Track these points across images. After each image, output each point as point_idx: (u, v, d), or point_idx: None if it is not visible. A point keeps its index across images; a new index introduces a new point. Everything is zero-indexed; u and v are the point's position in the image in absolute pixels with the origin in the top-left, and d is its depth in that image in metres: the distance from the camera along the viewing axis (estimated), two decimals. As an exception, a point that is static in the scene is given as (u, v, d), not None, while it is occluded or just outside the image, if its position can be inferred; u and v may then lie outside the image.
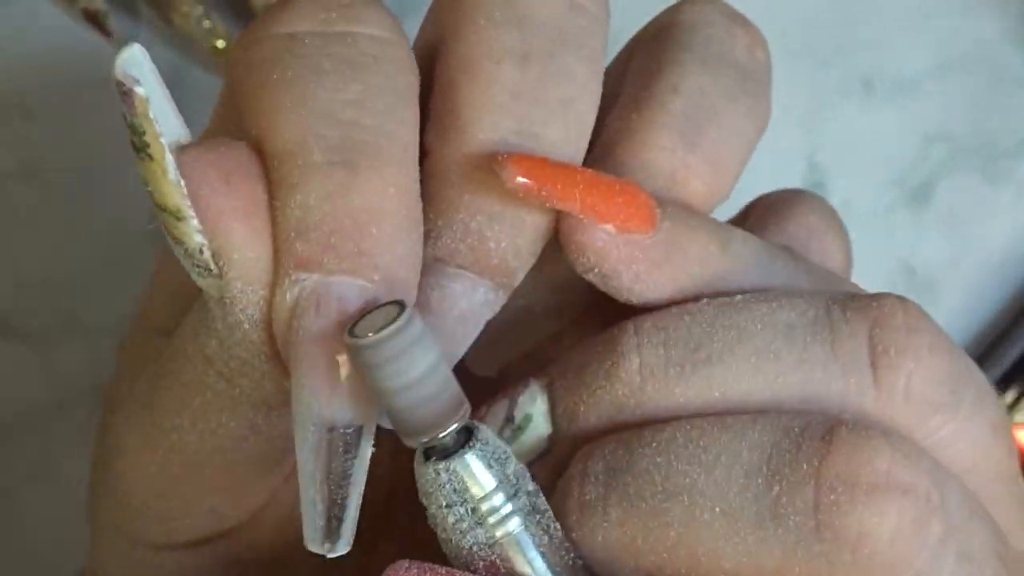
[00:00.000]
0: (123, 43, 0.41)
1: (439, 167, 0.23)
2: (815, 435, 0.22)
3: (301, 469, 0.21)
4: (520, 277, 0.24)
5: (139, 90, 0.20)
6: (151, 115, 0.20)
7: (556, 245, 0.24)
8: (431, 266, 0.23)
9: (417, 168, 0.23)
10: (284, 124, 0.22)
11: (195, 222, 0.21)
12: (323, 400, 0.21)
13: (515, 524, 0.22)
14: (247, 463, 0.25)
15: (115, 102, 0.21)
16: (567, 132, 0.24)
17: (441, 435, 0.21)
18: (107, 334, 0.42)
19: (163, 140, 0.20)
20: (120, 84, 0.20)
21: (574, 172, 0.23)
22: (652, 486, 0.22)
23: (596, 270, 0.24)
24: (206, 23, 0.42)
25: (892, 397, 0.23)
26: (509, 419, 0.24)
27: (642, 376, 0.23)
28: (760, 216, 0.28)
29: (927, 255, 0.44)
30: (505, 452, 0.22)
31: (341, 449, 0.21)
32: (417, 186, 0.23)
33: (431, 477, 0.22)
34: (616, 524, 0.22)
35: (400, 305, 0.21)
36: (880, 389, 0.23)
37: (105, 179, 0.43)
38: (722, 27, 0.27)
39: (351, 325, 0.21)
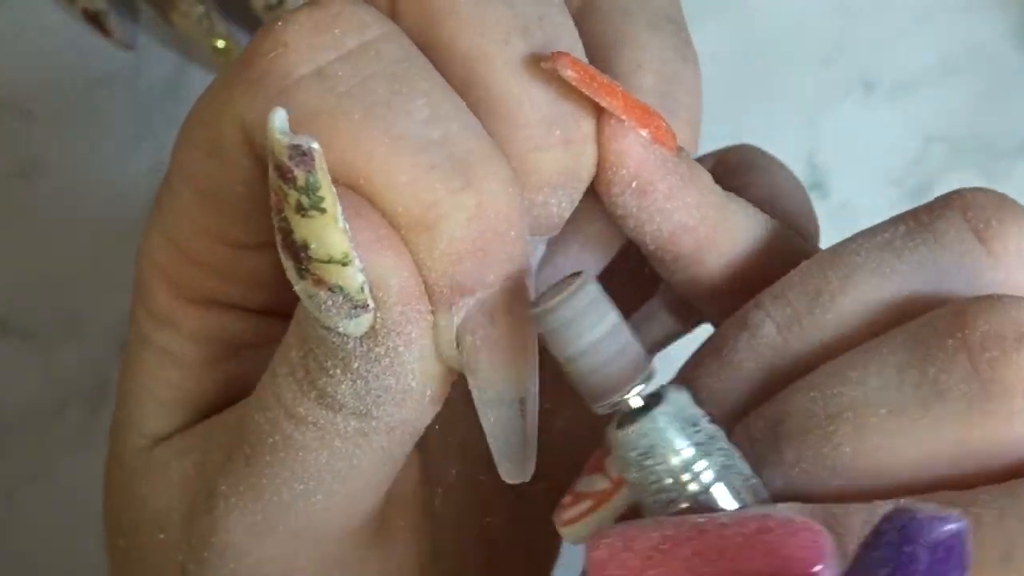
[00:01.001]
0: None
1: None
2: (947, 315, 0.22)
3: (495, 438, 0.23)
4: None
5: (315, 144, 0.20)
6: (325, 167, 0.20)
7: None
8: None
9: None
10: (391, 169, 0.22)
11: (358, 261, 0.21)
12: (508, 386, 0.23)
13: (710, 477, 0.22)
14: (374, 494, 0.25)
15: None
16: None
17: (625, 397, 0.22)
18: (107, 334, 0.42)
19: (334, 189, 0.21)
20: (296, 147, 0.20)
21: (611, 82, 0.24)
22: (813, 417, 0.23)
23: (635, 183, 0.24)
24: (206, 23, 0.42)
25: (1010, 260, 0.23)
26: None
27: (782, 336, 0.24)
28: (725, 175, 0.28)
29: (927, 255, 0.44)
30: (694, 409, 0.22)
31: (523, 413, 0.23)
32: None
33: (621, 441, 0.22)
34: (792, 464, 0.23)
35: (576, 274, 0.22)
36: (994, 257, 0.23)
37: (105, 179, 0.43)
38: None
39: (536, 298, 0.22)
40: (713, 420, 0.23)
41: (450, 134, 0.22)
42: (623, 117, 0.24)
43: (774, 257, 0.26)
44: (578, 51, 0.24)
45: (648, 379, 0.22)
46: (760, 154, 0.30)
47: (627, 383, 0.22)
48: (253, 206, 0.24)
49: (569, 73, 0.23)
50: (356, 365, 0.22)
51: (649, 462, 0.22)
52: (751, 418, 0.24)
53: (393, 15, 0.24)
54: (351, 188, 0.22)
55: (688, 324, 0.29)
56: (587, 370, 0.22)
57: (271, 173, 0.21)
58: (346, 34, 0.23)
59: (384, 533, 0.27)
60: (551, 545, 0.31)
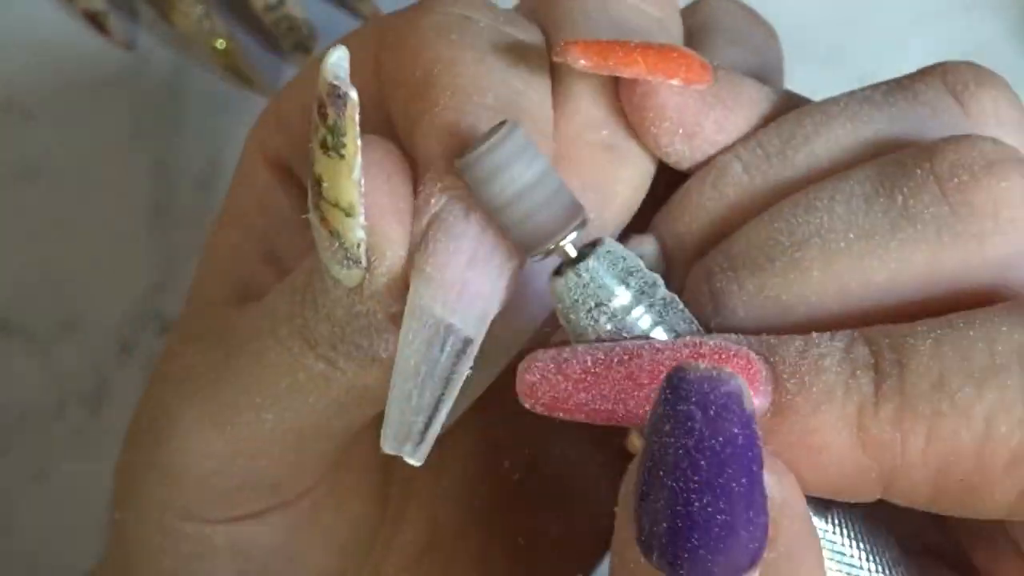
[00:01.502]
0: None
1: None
2: (916, 150, 0.23)
3: (401, 364, 0.22)
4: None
5: (353, 94, 0.21)
6: (356, 118, 0.21)
7: None
8: None
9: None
10: (463, 70, 0.23)
11: (362, 218, 0.22)
12: (449, 300, 0.22)
13: (647, 324, 0.22)
14: (321, 442, 0.25)
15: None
16: None
17: (560, 242, 0.22)
18: (107, 334, 0.42)
19: (359, 141, 0.21)
20: (334, 87, 0.21)
21: (628, 43, 0.24)
22: (778, 246, 0.23)
23: (680, 130, 0.24)
24: (206, 23, 0.42)
25: (985, 121, 0.24)
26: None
27: (749, 174, 0.24)
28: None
29: (927, 255, 0.44)
30: (632, 259, 0.22)
31: (448, 352, 0.22)
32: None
33: (558, 290, 0.22)
34: (755, 293, 0.23)
35: (501, 124, 0.22)
36: (971, 117, 0.24)
37: (105, 179, 0.43)
38: (742, 18, 0.29)
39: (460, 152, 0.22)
40: (653, 268, 0.23)
41: (526, 92, 0.24)
42: (649, 78, 0.24)
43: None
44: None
45: (582, 226, 0.22)
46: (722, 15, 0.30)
47: (560, 230, 0.22)
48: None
49: (581, 63, 0.23)
50: (339, 313, 0.23)
51: (585, 309, 0.22)
52: (710, 254, 0.24)
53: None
54: (422, 86, 0.23)
55: None
56: (518, 218, 0.21)
57: (313, 104, 0.21)
58: (508, 22, 0.25)
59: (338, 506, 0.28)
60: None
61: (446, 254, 0.22)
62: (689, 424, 0.19)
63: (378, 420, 0.23)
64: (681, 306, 0.23)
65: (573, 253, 0.22)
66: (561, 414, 0.22)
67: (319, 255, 0.23)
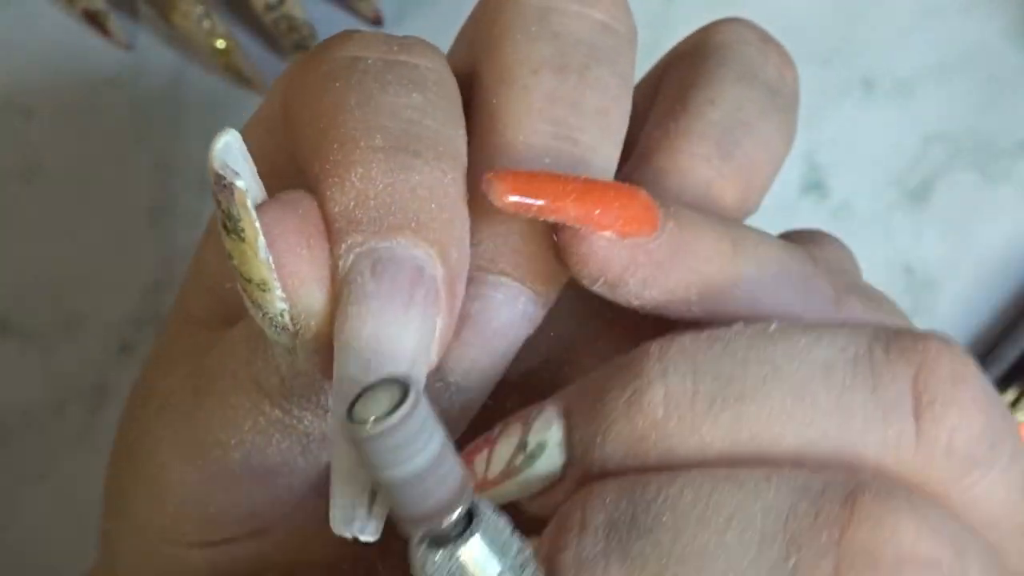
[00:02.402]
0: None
1: (479, 173, 0.23)
2: (835, 499, 0.20)
3: (335, 441, 0.21)
4: (559, 286, 0.24)
5: (239, 183, 0.20)
6: (248, 204, 0.20)
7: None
8: (472, 276, 0.23)
9: (464, 182, 0.23)
10: (347, 118, 0.22)
11: (279, 291, 0.21)
12: (371, 365, 0.21)
13: None
14: (292, 477, 0.25)
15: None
16: (603, 139, 0.24)
17: (445, 523, 0.20)
18: (107, 334, 0.42)
19: (256, 224, 0.21)
20: (219, 177, 0.20)
21: (565, 181, 0.22)
22: (657, 547, 0.21)
23: (602, 280, 0.23)
24: (206, 23, 0.42)
25: (933, 451, 0.21)
26: (522, 446, 0.23)
27: (666, 409, 0.21)
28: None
29: (926, 255, 0.44)
30: (505, 533, 0.21)
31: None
32: (466, 192, 0.23)
33: (432, 565, 0.21)
34: None
35: (401, 384, 0.20)
36: (921, 442, 0.21)
37: (105, 179, 0.43)
38: (755, 47, 0.27)
39: (350, 404, 0.19)
40: (527, 451, 0.22)
41: (423, 122, 0.22)
42: (579, 225, 0.22)
43: (787, 286, 0.24)
44: (613, 116, 0.24)
45: (466, 503, 0.20)
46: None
47: (449, 509, 0.20)
48: (292, 171, 0.24)
49: (504, 201, 0.22)
50: (284, 369, 0.22)
51: None
52: (595, 496, 0.22)
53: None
54: (309, 143, 0.22)
55: None
56: (410, 497, 0.20)
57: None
58: (403, 51, 0.24)
59: None
60: None
61: (358, 318, 0.21)
62: None
63: None
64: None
65: (455, 530, 0.20)
66: None
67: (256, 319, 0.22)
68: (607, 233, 0.22)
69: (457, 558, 0.20)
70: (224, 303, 0.27)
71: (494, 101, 0.24)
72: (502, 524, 0.21)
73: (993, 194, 0.44)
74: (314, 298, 0.21)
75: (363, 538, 0.21)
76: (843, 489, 0.21)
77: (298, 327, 0.21)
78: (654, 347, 0.22)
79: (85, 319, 0.42)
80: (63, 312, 0.42)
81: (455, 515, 0.20)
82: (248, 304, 0.22)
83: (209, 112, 0.43)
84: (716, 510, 0.21)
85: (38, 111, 0.43)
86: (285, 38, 0.42)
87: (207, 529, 0.26)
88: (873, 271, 0.30)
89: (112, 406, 0.41)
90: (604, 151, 0.24)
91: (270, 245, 0.21)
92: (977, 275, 0.44)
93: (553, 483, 0.23)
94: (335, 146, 0.22)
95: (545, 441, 0.23)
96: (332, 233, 0.22)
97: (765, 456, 0.21)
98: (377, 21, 0.43)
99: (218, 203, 0.21)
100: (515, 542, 0.21)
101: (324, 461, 0.25)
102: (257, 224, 0.21)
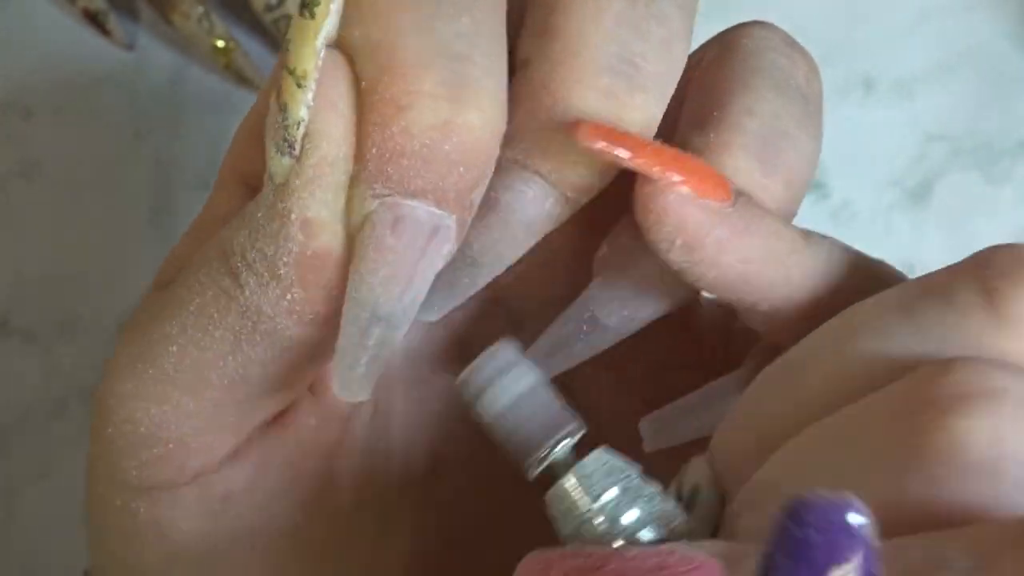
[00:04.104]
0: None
1: (536, 78, 0.24)
2: (912, 372, 0.21)
3: (342, 339, 0.23)
4: (590, 194, 0.25)
5: None
6: None
7: None
8: (507, 167, 0.24)
9: (507, 106, 0.23)
10: (402, 45, 0.22)
11: (310, 96, 0.22)
12: (382, 300, 0.22)
13: (637, 525, 0.22)
14: (218, 390, 0.25)
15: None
16: (665, 68, 0.24)
17: (549, 453, 0.22)
18: (107, 334, 0.42)
19: (333, 6, 0.21)
20: None
21: (644, 139, 0.23)
22: (771, 491, 0.22)
23: (679, 241, 0.23)
24: (206, 23, 0.42)
25: (1016, 327, 0.22)
26: (679, 498, 0.24)
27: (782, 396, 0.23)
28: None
29: (926, 255, 0.44)
30: (620, 463, 0.22)
31: (380, 335, 0.23)
32: (505, 125, 0.23)
33: (549, 500, 0.22)
34: (759, 533, 0.22)
35: (500, 340, 0.23)
36: (1003, 319, 0.22)
37: (105, 179, 0.43)
38: (783, 53, 0.27)
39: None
40: (641, 471, 0.23)
41: (472, 57, 0.22)
42: (658, 177, 0.23)
43: (851, 290, 0.25)
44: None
45: (572, 434, 0.22)
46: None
47: (552, 437, 0.22)
48: None
49: (590, 144, 0.22)
50: (260, 214, 0.23)
51: (575, 516, 0.22)
52: (742, 493, 0.23)
53: None
54: (356, 45, 0.22)
55: None
56: (512, 430, 0.22)
57: None
58: None
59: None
60: None
61: (375, 263, 0.22)
62: (807, 552, 0.18)
63: (313, 433, 0.25)
64: (673, 505, 0.23)
65: (565, 461, 0.22)
66: None
67: (266, 142, 0.23)
68: (682, 189, 0.23)
69: (565, 489, 0.22)
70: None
71: (563, 11, 0.24)
72: (613, 458, 0.22)
73: (993, 194, 0.44)
74: (332, 125, 0.22)
75: (357, 399, 0.23)
76: (919, 367, 0.21)
77: (305, 147, 0.22)
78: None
79: (85, 319, 0.42)
80: (63, 312, 0.42)
81: (559, 446, 0.22)
82: (272, 112, 0.22)
83: (209, 112, 0.43)
84: (825, 441, 0.22)
85: (38, 111, 0.43)
86: (285, 38, 0.42)
87: (140, 461, 0.26)
88: (873, 271, 0.30)
89: (112, 406, 0.42)
90: (661, 85, 0.24)
91: (321, 68, 0.22)
92: (977, 275, 0.44)
93: (718, 522, 0.23)
94: (385, 77, 0.22)
95: (698, 484, 0.24)
96: (363, 166, 0.22)
97: (870, 383, 0.22)
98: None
99: None
100: (629, 472, 0.22)
101: (254, 375, 0.25)
102: (333, 6, 0.21)
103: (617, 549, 0.22)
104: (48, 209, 0.42)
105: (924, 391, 0.21)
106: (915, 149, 0.44)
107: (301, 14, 0.22)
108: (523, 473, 0.22)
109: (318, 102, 0.22)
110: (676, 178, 0.23)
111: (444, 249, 0.23)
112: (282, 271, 0.23)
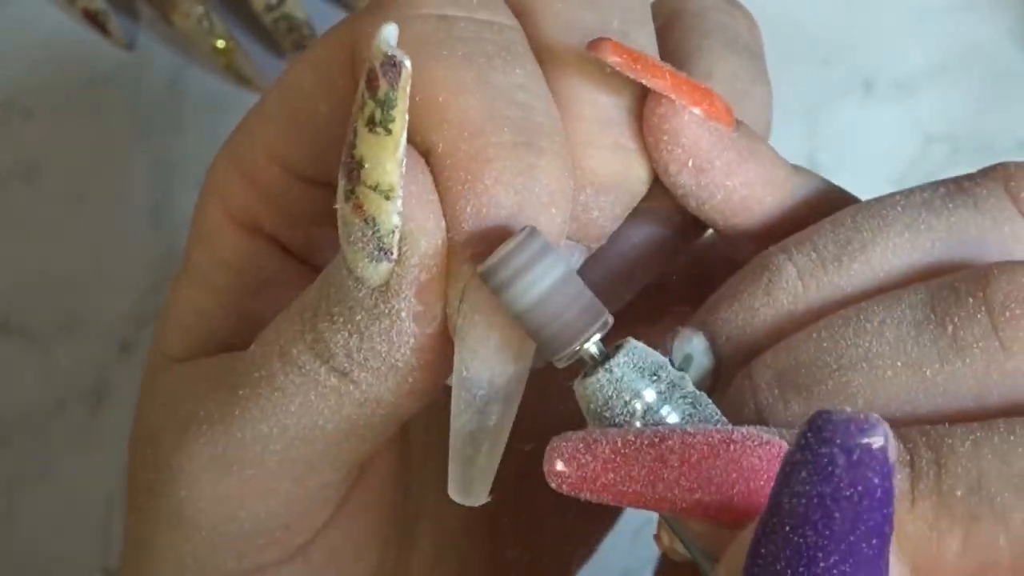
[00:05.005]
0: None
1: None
2: (970, 275, 0.22)
3: (457, 430, 0.23)
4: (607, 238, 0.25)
5: (407, 63, 0.21)
6: (408, 89, 0.21)
7: None
8: None
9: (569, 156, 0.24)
10: (470, 101, 0.22)
11: (400, 202, 0.22)
12: (497, 370, 0.22)
13: (676, 421, 0.22)
14: (329, 472, 0.25)
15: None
16: (638, 25, 0.25)
17: (585, 344, 0.22)
18: (107, 334, 0.42)
19: (407, 117, 0.21)
20: (391, 57, 0.21)
21: (659, 62, 0.24)
22: (826, 367, 0.22)
23: (691, 162, 0.24)
24: (206, 23, 0.42)
25: None
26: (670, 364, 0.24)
27: (803, 281, 0.24)
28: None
29: (927, 255, 0.44)
30: (657, 356, 0.22)
31: (500, 414, 0.23)
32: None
33: (582, 393, 0.22)
34: (800, 416, 0.22)
35: (522, 230, 0.22)
36: None
37: (105, 179, 0.43)
38: (724, 11, 0.28)
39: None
40: (675, 366, 0.23)
41: (533, 105, 0.23)
42: (672, 96, 0.24)
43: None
44: (652, 54, 0.25)
45: (604, 328, 0.22)
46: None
47: (582, 333, 0.22)
48: (326, 137, 0.25)
49: (612, 58, 0.23)
50: (359, 317, 0.23)
51: (610, 412, 0.22)
52: (755, 365, 0.23)
53: None
54: (426, 116, 0.22)
55: None
56: (540, 323, 0.22)
57: (360, 83, 0.21)
58: (481, 6, 0.24)
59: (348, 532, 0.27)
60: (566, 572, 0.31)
61: (487, 327, 0.22)
62: (829, 469, 0.18)
63: (387, 464, 0.25)
64: (708, 401, 0.23)
65: (598, 355, 0.22)
66: (588, 494, 0.21)
67: (340, 262, 0.22)
68: (696, 109, 0.24)
69: (605, 378, 0.22)
70: (214, 342, 0.27)
71: (563, 78, 0.24)
72: (649, 351, 0.22)
73: (993, 194, 0.44)
74: (427, 219, 0.22)
75: (476, 504, 0.23)
76: (971, 271, 0.23)
77: (404, 249, 0.22)
78: (772, 247, 0.24)
79: (85, 319, 0.42)
80: (63, 312, 0.42)
81: (592, 338, 0.22)
82: (354, 228, 0.22)
83: (209, 112, 0.43)
84: (868, 319, 0.23)
85: (38, 111, 0.43)
86: (285, 38, 0.42)
87: (243, 552, 0.26)
88: (873, 271, 0.30)
89: (112, 406, 0.41)
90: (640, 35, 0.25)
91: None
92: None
93: (707, 392, 0.24)
94: (465, 134, 0.22)
95: (690, 353, 0.24)
96: (457, 225, 0.22)
97: (898, 284, 0.23)
98: (377, 21, 0.43)
99: (374, 91, 0.21)
100: (666, 368, 0.22)
101: (365, 450, 0.25)
102: (407, 118, 0.21)
103: (673, 428, 0.21)
104: (48, 209, 0.42)
105: (1001, 289, 0.22)
106: (915, 149, 0.44)
107: (373, 131, 0.21)
108: (552, 359, 0.22)
109: (407, 203, 0.22)
110: (690, 99, 0.24)
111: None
112: (401, 363, 0.23)
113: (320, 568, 0.27)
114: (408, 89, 0.21)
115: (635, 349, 0.22)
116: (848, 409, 0.18)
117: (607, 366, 0.22)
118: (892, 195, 0.24)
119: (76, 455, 0.41)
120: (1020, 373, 0.22)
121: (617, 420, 0.22)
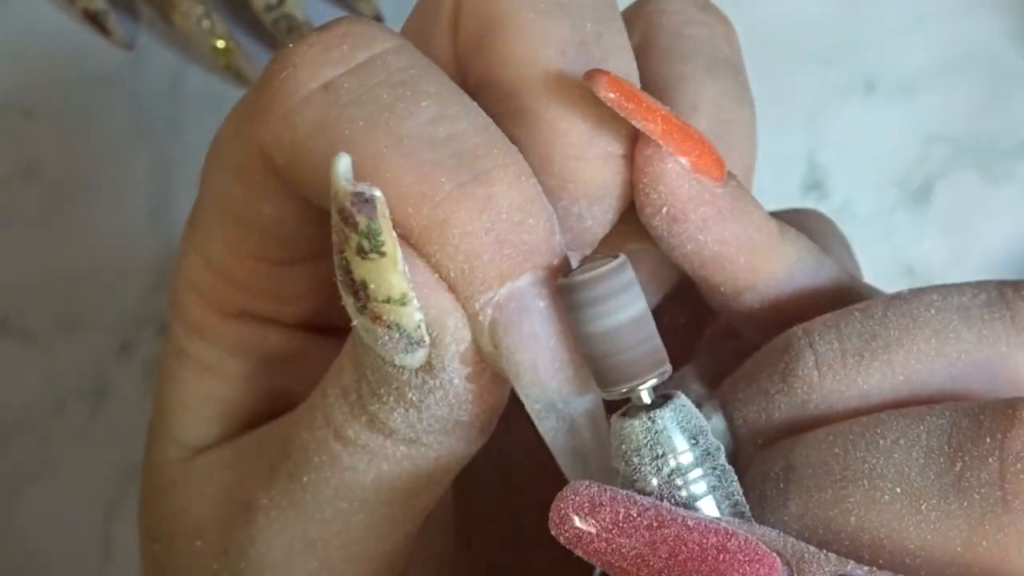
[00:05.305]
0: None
1: (536, 160, 0.23)
2: (997, 410, 0.21)
3: (558, 453, 0.23)
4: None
5: (378, 192, 0.21)
6: (387, 213, 0.21)
7: None
8: None
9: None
10: (396, 172, 0.22)
11: (416, 302, 0.21)
12: (553, 385, 0.22)
13: (702, 487, 0.22)
14: (412, 522, 0.25)
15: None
16: (619, 44, 0.24)
17: (641, 386, 0.22)
18: (107, 334, 0.42)
19: (394, 234, 0.21)
20: (359, 194, 0.20)
21: (655, 103, 0.23)
22: (830, 475, 0.22)
23: (665, 209, 0.23)
24: (206, 23, 0.42)
25: None
26: None
27: (820, 372, 0.23)
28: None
29: (927, 255, 0.44)
30: (701, 420, 0.22)
31: (583, 420, 0.23)
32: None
33: (621, 432, 0.22)
34: (796, 516, 0.22)
35: (614, 257, 0.22)
36: None
37: (105, 179, 0.43)
38: (700, 23, 0.27)
39: (567, 272, 0.22)
40: (717, 439, 0.23)
41: (456, 131, 0.22)
42: (660, 142, 0.23)
43: (829, 299, 0.25)
44: (631, 72, 0.24)
45: (663, 376, 0.22)
46: (826, 225, 0.29)
47: (642, 375, 0.22)
48: (282, 224, 0.24)
49: (606, 94, 0.22)
50: (410, 395, 0.23)
51: (647, 457, 0.22)
52: (769, 452, 0.23)
53: (455, 20, 0.24)
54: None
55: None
56: (606, 353, 0.22)
57: (334, 216, 0.21)
58: (354, 49, 0.23)
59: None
60: None
61: (536, 352, 0.22)
62: None
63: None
64: (734, 478, 0.22)
65: (647, 400, 0.22)
66: (580, 552, 0.21)
67: (376, 354, 0.22)
68: (682, 159, 0.23)
69: (650, 426, 0.22)
70: (225, 424, 0.27)
71: (532, 97, 0.23)
72: (695, 412, 0.22)
73: (994, 194, 0.44)
74: (442, 301, 0.22)
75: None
76: (1003, 403, 0.22)
77: (434, 334, 0.22)
78: (796, 328, 0.24)
79: (85, 319, 0.42)
80: (63, 312, 0.42)
81: (651, 380, 0.22)
82: (379, 336, 0.22)
83: (209, 112, 0.43)
84: (882, 434, 0.22)
85: (38, 111, 0.43)
86: (285, 38, 0.42)
87: None
88: (874, 272, 0.30)
89: (112, 406, 0.41)
90: (622, 58, 0.24)
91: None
92: (979, 275, 0.44)
93: None
94: (409, 209, 0.22)
95: (711, 427, 0.24)
96: (457, 290, 0.22)
97: (920, 396, 0.23)
98: (377, 21, 0.43)
99: (354, 226, 0.21)
100: (707, 430, 0.22)
101: (441, 490, 0.25)
102: (395, 233, 0.21)
103: (676, 511, 0.21)
104: (48, 209, 0.42)
105: (1020, 436, 0.21)
106: (916, 150, 0.44)
107: (366, 258, 0.21)
108: (603, 390, 0.22)
109: (420, 295, 0.22)
110: (678, 148, 0.23)
111: (557, 308, 0.22)
112: (466, 416, 0.23)
113: None
114: (387, 212, 0.21)
115: (683, 407, 0.22)
116: (863, 572, 0.19)
117: (652, 415, 0.22)
118: (931, 290, 0.24)
119: (76, 455, 0.41)
120: (1014, 531, 0.21)
121: (644, 469, 0.22)
